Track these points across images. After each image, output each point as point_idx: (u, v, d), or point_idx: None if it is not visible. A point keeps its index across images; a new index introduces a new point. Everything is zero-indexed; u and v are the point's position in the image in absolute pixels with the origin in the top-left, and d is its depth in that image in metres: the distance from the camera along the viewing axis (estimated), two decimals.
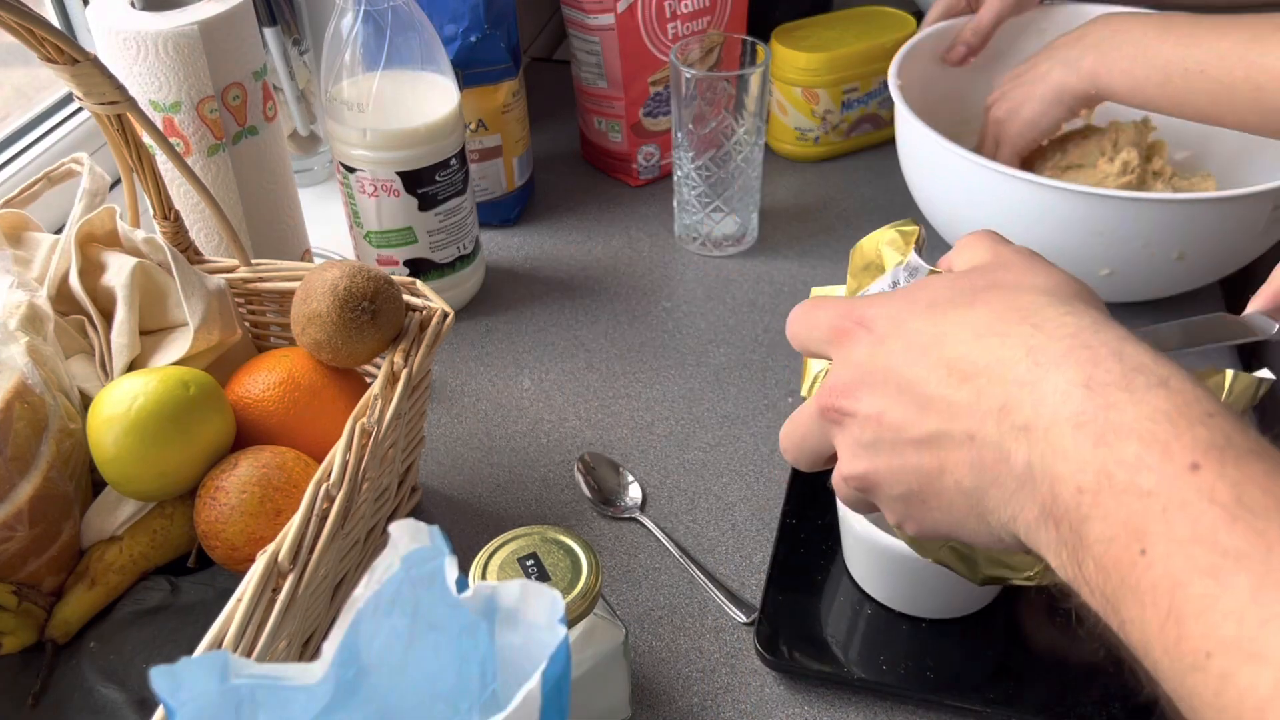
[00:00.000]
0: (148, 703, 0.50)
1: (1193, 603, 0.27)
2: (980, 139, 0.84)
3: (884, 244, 0.47)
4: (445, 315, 0.58)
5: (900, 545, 0.53)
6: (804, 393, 0.49)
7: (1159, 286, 0.76)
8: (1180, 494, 0.28)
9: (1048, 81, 0.76)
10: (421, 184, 0.74)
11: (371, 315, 0.55)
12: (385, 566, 0.30)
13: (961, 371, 0.34)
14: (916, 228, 0.47)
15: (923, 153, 0.78)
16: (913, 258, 0.46)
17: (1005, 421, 0.32)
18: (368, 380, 0.62)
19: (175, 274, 0.58)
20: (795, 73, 0.94)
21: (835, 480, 0.40)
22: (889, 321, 0.37)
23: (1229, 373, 0.46)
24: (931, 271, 0.44)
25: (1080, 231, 0.70)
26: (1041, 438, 0.31)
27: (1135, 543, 0.28)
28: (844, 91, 0.95)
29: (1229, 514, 0.27)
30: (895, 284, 0.46)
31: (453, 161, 0.75)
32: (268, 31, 0.85)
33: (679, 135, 0.82)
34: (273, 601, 0.44)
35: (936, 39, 0.87)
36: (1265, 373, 0.46)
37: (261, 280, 0.63)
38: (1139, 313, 0.79)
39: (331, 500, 0.48)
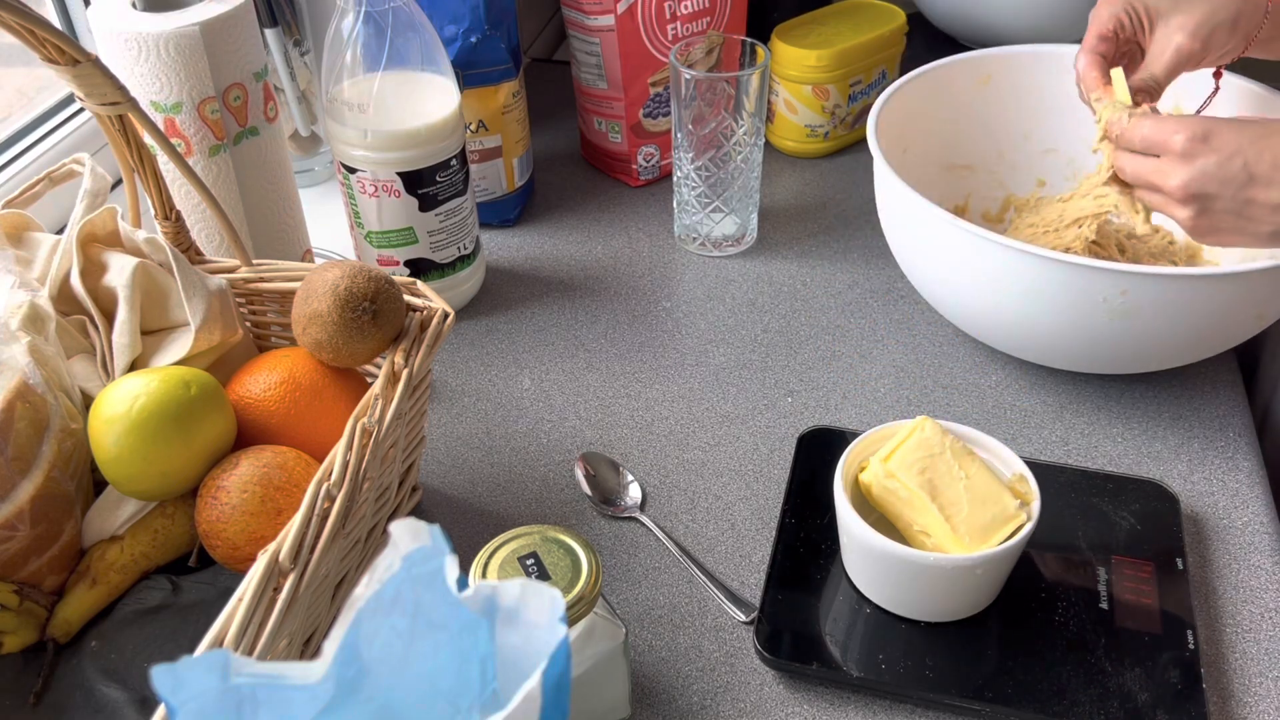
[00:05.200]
0: (149, 702, 0.50)
1: None
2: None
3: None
4: (446, 315, 0.58)
5: (898, 549, 0.53)
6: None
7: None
8: None
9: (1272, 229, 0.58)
10: (422, 184, 0.74)
11: (372, 315, 0.56)
12: (386, 566, 0.30)
13: None
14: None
15: (903, 213, 0.71)
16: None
17: None
18: (368, 380, 0.62)
19: (176, 274, 0.59)
20: (804, 71, 0.94)
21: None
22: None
23: None
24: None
25: (1072, 304, 0.64)
26: None
27: None
28: (850, 84, 0.96)
29: None
30: None
31: (453, 162, 0.75)
32: (269, 32, 0.85)
33: (679, 136, 0.82)
34: (274, 601, 0.44)
35: (915, 87, 0.80)
36: None
37: (262, 280, 0.63)
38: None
39: (332, 500, 0.48)
